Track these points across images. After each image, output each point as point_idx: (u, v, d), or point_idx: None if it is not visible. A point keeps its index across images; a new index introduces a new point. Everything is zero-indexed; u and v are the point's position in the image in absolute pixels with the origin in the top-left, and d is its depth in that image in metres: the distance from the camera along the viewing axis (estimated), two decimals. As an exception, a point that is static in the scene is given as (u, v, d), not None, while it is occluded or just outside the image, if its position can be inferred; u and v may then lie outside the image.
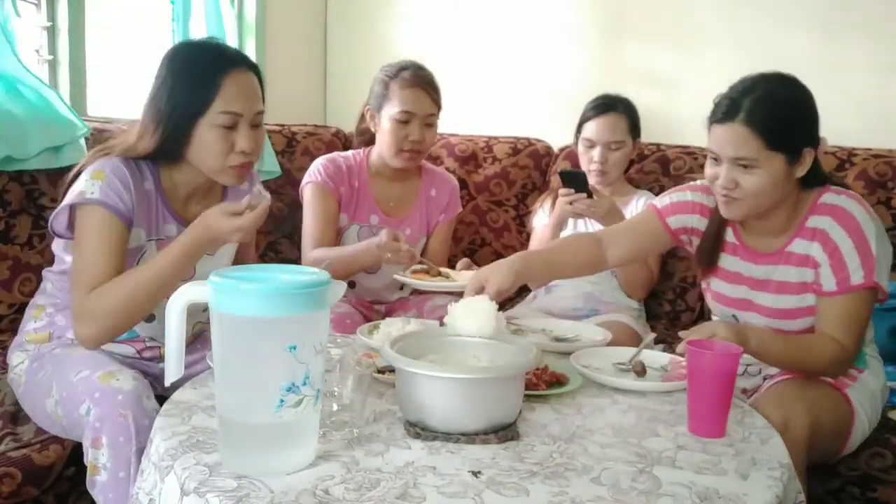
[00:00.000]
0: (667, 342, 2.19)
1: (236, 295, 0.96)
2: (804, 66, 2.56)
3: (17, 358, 1.55)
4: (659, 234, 1.72)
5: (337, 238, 2.10)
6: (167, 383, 1.06)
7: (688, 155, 2.53)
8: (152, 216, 1.51)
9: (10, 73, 1.95)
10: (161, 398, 1.31)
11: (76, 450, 1.40)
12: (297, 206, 2.27)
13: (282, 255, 2.58)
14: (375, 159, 2.14)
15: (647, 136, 2.40)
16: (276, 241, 2.58)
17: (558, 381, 1.36)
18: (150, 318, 1.52)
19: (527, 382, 1.26)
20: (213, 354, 1.01)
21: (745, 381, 1.68)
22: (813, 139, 1.50)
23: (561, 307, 2.19)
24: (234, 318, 0.96)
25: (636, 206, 2.29)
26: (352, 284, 2.10)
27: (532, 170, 2.71)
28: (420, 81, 2.04)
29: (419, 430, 1.12)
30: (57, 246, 1.57)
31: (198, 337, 1.67)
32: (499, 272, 1.50)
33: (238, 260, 1.70)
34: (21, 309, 1.72)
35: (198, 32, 2.56)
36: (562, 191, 2.15)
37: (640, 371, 1.44)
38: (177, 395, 1.25)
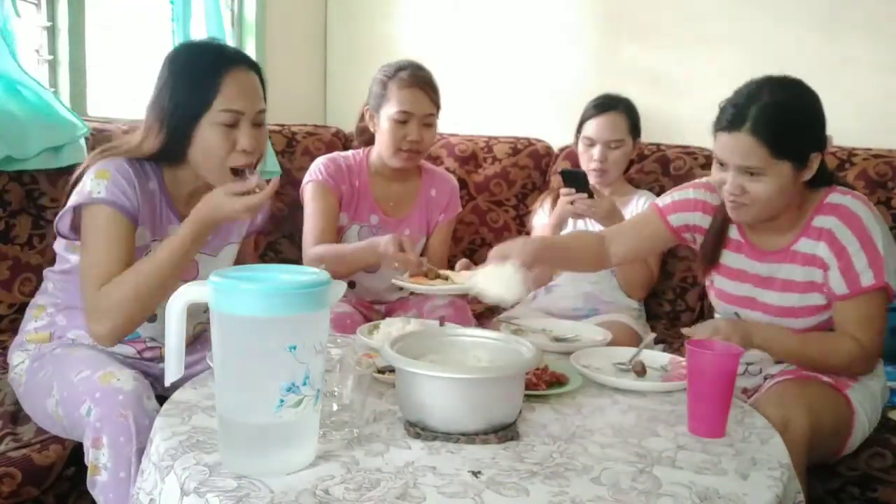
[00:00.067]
0: (667, 342, 2.20)
1: (236, 295, 0.96)
2: (804, 66, 2.56)
3: (17, 358, 1.55)
4: (660, 233, 1.73)
5: (338, 237, 2.10)
6: (167, 383, 1.07)
7: (688, 155, 2.53)
8: (156, 216, 1.52)
9: (10, 73, 1.95)
10: (161, 398, 1.31)
11: (76, 450, 1.40)
12: (297, 206, 2.27)
13: (282, 255, 2.58)
14: (375, 159, 2.14)
15: (647, 136, 2.40)
16: (276, 241, 2.58)
17: (558, 381, 1.36)
18: (151, 318, 1.52)
19: (527, 382, 1.26)
20: (213, 354, 1.01)
21: (745, 381, 1.68)
22: (820, 143, 1.50)
23: (561, 307, 2.19)
24: (234, 318, 0.96)
25: (636, 205, 2.29)
26: (352, 284, 2.10)
27: (532, 170, 2.71)
28: (418, 81, 2.04)
29: (419, 430, 1.12)
30: (59, 245, 1.57)
31: (198, 337, 1.67)
32: (522, 248, 1.51)
33: (239, 260, 1.70)
34: (21, 309, 1.72)
35: (198, 33, 2.56)
36: (563, 190, 2.15)
37: (640, 371, 1.44)
38: (177, 395, 1.25)
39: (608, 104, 2.29)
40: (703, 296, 2.49)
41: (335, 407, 1.15)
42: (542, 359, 1.25)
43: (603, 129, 2.26)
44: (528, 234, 2.44)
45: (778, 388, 1.53)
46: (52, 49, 2.25)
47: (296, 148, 2.69)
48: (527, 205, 2.66)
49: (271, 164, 2.59)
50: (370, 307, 2.12)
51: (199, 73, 1.45)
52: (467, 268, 1.91)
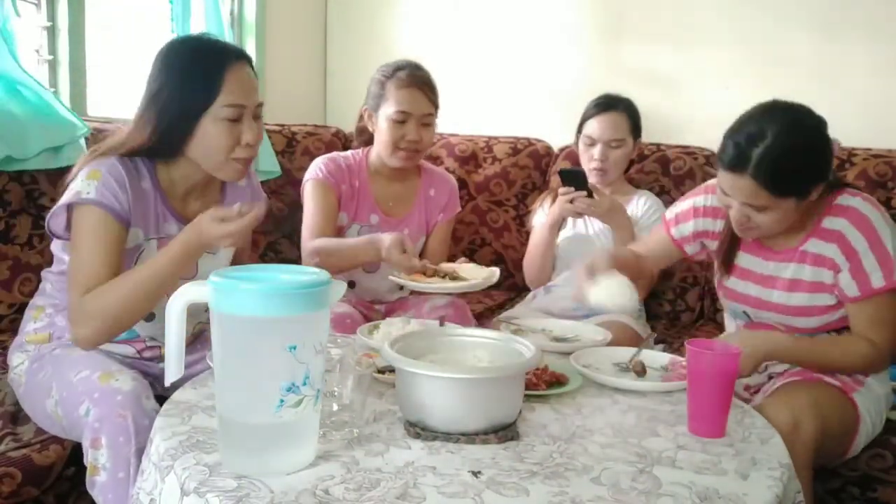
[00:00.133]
0: (667, 342, 2.20)
1: (236, 295, 0.96)
2: (804, 66, 2.59)
3: (17, 359, 1.55)
4: (668, 246, 1.79)
5: (337, 236, 2.10)
6: (167, 383, 1.06)
7: (688, 155, 2.53)
8: (151, 215, 1.51)
9: (10, 73, 1.95)
10: (161, 398, 1.31)
11: (76, 450, 1.40)
12: (297, 206, 2.27)
13: (282, 255, 2.58)
14: (374, 159, 2.14)
15: (647, 136, 2.40)
16: (276, 241, 2.58)
17: (558, 381, 1.36)
18: (149, 318, 1.52)
19: (527, 382, 1.26)
20: (213, 354, 1.01)
21: (749, 378, 1.68)
22: (824, 175, 1.49)
23: (561, 307, 2.19)
24: (233, 318, 0.96)
25: (636, 205, 2.29)
26: (352, 284, 2.10)
27: (532, 170, 2.71)
28: (416, 81, 2.04)
29: (419, 430, 1.12)
30: (56, 246, 1.56)
31: (198, 337, 1.67)
32: (603, 261, 1.60)
33: (235, 260, 1.70)
34: (21, 309, 1.72)
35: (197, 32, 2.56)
36: (562, 189, 2.15)
37: (640, 371, 1.44)
38: (177, 395, 1.25)
39: (609, 104, 2.29)
40: (703, 296, 2.49)
41: (335, 407, 1.15)
42: (542, 359, 1.25)
43: (604, 129, 2.26)
44: (528, 233, 2.44)
45: (786, 389, 1.53)
46: (52, 49, 2.25)
47: (296, 148, 2.69)
48: (527, 205, 2.66)
49: (271, 164, 2.59)
50: (370, 307, 2.11)
51: (199, 68, 1.45)
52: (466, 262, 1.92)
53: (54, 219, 1.46)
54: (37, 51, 2.23)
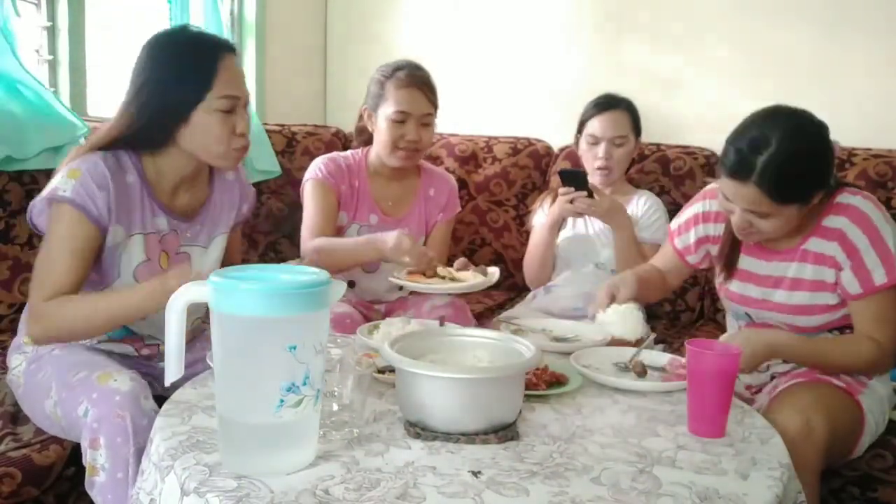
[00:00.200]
0: (667, 342, 2.20)
1: (236, 295, 0.96)
2: (804, 66, 2.59)
3: (15, 360, 1.55)
4: (674, 259, 1.82)
5: (337, 236, 2.10)
6: (167, 383, 1.06)
7: (688, 155, 2.53)
8: (137, 210, 1.50)
9: (10, 73, 1.95)
10: (159, 398, 1.31)
11: (76, 450, 1.40)
12: (297, 207, 2.27)
13: (282, 255, 2.58)
14: (374, 159, 2.14)
15: (647, 136, 2.40)
16: (276, 241, 2.59)
17: (558, 381, 1.36)
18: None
19: (527, 382, 1.26)
20: (213, 354, 1.01)
21: (750, 378, 1.68)
22: (825, 181, 1.50)
23: (561, 307, 2.19)
24: (233, 318, 0.96)
25: (637, 205, 2.29)
26: (351, 284, 2.10)
27: (532, 170, 2.71)
28: (415, 81, 2.04)
29: (419, 430, 1.12)
30: None
31: (197, 336, 1.67)
32: (628, 284, 1.63)
33: (227, 250, 1.69)
34: (21, 309, 1.72)
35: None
36: (562, 190, 2.15)
37: (641, 371, 1.44)
38: (177, 395, 1.25)
39: (611, 102, 2.30)
40: (703, 296, 2.49)
41: (335, 407, 1.15)
42: (542, 359, 1.25)
43: (607, 127, 2.26)
44: (527, 234, 2.44)
45: (794, 392, 1.52)
46: (52, 49, 2.25)
47: (296, 148, 2.69)
48: (527, 205, 2.66)
49: (271, 163, 2.59)
50: (370, 307, 2.11)
51: (190, 61, 1.46)
52: (465, 267, 1.92)
53: (37, 214, 1.46)
54: (37, 51, 2.23)
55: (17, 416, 1.52)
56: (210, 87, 1.44)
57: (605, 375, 1.42)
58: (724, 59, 2.69)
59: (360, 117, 2.16)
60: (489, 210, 2.72)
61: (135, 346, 1.58)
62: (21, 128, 1.90)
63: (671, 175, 2.51)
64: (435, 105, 2.08)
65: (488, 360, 1.24)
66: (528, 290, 2.40)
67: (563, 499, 0.96)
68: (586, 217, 2.26)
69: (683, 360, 1.34)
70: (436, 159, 2.73)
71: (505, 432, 1.13)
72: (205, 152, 1.50)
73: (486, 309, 2.43)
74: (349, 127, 2.38)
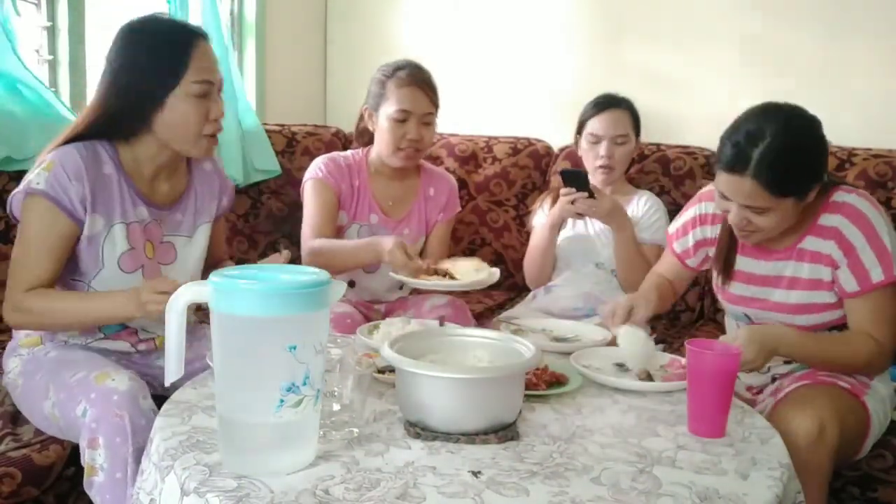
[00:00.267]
0: (667, 342, 2.20)
1: (236, 295, 0.96)
2: (804, 65, 2.59)
3: (11, 363, 1.55)
4: (675, 264, 1.82)
5: (337, 236, 2.10)
6: (167, 383, 1.06)
7: (688, 155, 2.53)
8: (116, 200, 1.50)
9: (11, 72, 1.95)
10: (158, 398, 1.31)
11: (76, 450, 1.40)
12: (297, 206, 2.27)
13: (282, 256, 2.58)
14: (374, 158, 2.14)
15: (647, 136, 2.40)
16: (275, 241, 2.58)
17: (558, 381, 1.36)
18: None
19: (527, 382, 1.26)
20: (213, 354, 1.01)
21: (751, 379, 1.68)
22: (821, 175, 1.50)
23: (561, 307, 2.19)
24: (233, 318, 0.97)
25: (637, 205, 2.28)
26: (351, 284, 2.10)
27: (532, 170, 2.71)
28: (416, 80, 2.04)
29: (419, 430, 1.12)
30: None
31: (194, 333, 1.67)
32: (644, 304, 1.64)
33: (212, 240, 1.70)
34: (20, 309, 1.72)
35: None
36: (563, 190, 2.15)
37: (646, 378, 1.43)
38: (177, 395, 1.25)
39: (611, 102, 2.30)
40: (703, 296, 2.49)
41: (335, 407, 1.15)
42: (542, 359, 1.25)
43: (608, 125, 2.25)
44: (528, 234, 2.44)
45: (803, 395, 1.50)
46: (52, 49, 2.25)
47: (296, 148, 2.69)
48: (527, 205, 2.66)
49: (271, 163, 2.59)
50: (370, 307, 2.11)
51: (165, 46, 1.46)
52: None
53: (16, 205, 1.46)
54: (37, 51, 2.23)
55: (16, 417, 1.52)
56: (185, 71, 1.45)
57: (605, 375, 1.42)
58: (724, 59, 2.69)
59: (361, 117, 2.16)
60: (489, 210, 2.72)
61: (131, 341, 1.58)
62: (21, 128, 1.90)
63: (671, 175, 2.51)
64: (436, 104, 2.08)
65: (488, 360, 1.24)
66: (528, 290, 2.40)
67: (563, 499, 0.96)
68: (587, 217, 2.26)
69: (683, 360, 1.34)
70: (436, 159, 2.73)
71: (505, 432, 1.13)
72: (177, 139, 1.49)
73: (486, 309, 2.43)
74: (349, 127, 2.38)
